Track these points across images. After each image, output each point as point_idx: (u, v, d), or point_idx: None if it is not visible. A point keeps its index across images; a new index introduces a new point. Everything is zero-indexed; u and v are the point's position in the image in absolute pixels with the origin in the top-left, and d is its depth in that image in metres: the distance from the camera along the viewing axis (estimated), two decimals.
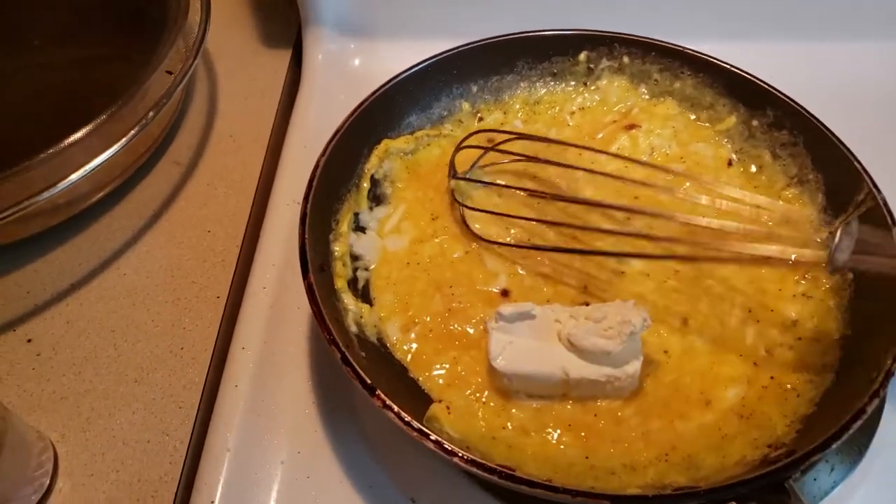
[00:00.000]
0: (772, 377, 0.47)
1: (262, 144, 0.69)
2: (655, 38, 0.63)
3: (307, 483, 0.48)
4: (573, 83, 0.65)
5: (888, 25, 0.74)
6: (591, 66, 0.64)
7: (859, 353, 0.47)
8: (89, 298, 0.58)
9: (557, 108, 0.64)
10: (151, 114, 0.57)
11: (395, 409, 0.41)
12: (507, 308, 0.47)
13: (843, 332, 0.49)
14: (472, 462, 0.39)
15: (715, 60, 0.62)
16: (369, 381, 0.42)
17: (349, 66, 0.76)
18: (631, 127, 0.61)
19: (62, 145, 0.52)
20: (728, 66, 0.61)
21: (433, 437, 0.40)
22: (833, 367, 0.47)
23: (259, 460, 0.48)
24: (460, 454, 0.39)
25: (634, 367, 0.45)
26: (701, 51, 0.62)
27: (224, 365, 0.52)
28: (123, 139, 0.55)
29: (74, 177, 0.52)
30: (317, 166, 0.52)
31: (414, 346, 0.49)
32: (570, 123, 0.64)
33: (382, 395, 0.41)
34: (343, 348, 0.43)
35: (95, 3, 0.72)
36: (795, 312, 0.50)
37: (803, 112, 0.57)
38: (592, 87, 0.65)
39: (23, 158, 0.52)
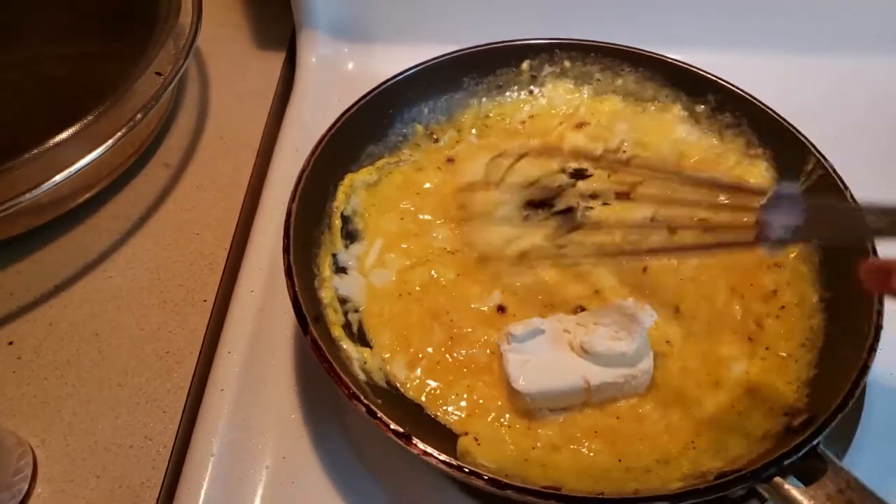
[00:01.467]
0: (767, 348, 0.49)
1: (252, 147, 0.69)
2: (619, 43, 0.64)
3: (292, 488, 0.47)
4: (520, 93, 0.65)
5: (877, 40, 0.75)
6: (535, 73, 0.65)
7: (843, 312, 0.48)
8: (73, 301, 0.57)
9: (508, 119, 0.65)
10: (139, 115, 0.56)
11: (437, 455, 0.39)
12: (516, 327, 0.46)
13: (822, 294, 0.50)
14: (527, 491, 0.38)
15: (652, 54, 0.63)
16: (403, 430, 0.40)
17: (343, 70, 0.76)
18: (580, 125, 0.63)
19: (47, 146, 0.52)
20: (665, 59, 0.63)
21: (486, 476, 0.38)
22: (822, 329, 0.49)
23: (243, 465, 0.47)
24: (515, 485, 0.38)
25: (648, 362, 0.46)
26: (641, 47, 0.63)
27: (210, 369, 0.52)
28: (110, 141, 0.54)
29: (59, 178, 0.51)
30: (289, 213, 0.49)
31: (425, 382, 0.48)
32: (523, 132, 0.64)
33: (420, 444, 0.39)
34: (366, 401, 0.41)
35: (86, 1, 0.72)
36: (772, 282, 0.52)
37: (743, 94, 0.60)
38: (538, 95, 0.65)
39: (7, 158, 0.51)
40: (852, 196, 0.51)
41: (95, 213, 0.63)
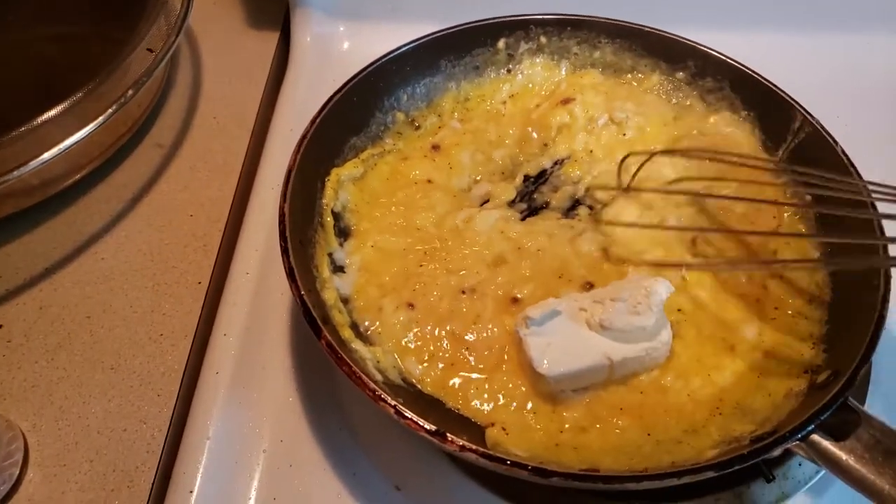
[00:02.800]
0: (776, 307, 0.49)
1: (246, 127, 0.67)
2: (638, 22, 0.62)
3: (290, 472, 0.46)
4: (498, 72, 0.64)
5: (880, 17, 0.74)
6: (511, 52, 0.64)
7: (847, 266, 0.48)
8: (64, 283, 0.56)
9: (488, 100, 0.63)
10: (130, 92, 0.55)
11: (476, 449, 0.38)
12: (533, 310, 0.45)
13: (823, 249, 0.51)
14: (573, 476, 0.37)
15: (627, 24, 0.62)
16: (437, 429, 0.38)
17: (338, 49, 0.75)
18: (566, 101, 0.61)
19: (36, 122, 0.50)
20: (641, 27, 0.62)
21: (529, 466, 0.37)
22: (827, 284, 0.49)
23: (240, 449, 0.47)
24: (560, 472, 0.37)
25: (666, 333, 0.46)
26: (622, 19, 0.62)
27: (205, 352, 0.51)
28: (101, 118, 0.53)
29: (47, 155, 0.50)
30: (282, 215, 0.47)
31: (442, 375, 0.46)
32: (505, 113, 0.63)
33: (457, 440, 0.38)
34: (393, 403, 0.39)
35: None
36: (772, 244, 0.52)
37: (723, 58, 0.59)
38: (516, 73, 0.64)
39: None
40: (843, 150, 0.51)
41: (86, 195, 0.61)
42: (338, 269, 0.51)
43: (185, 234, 0.59)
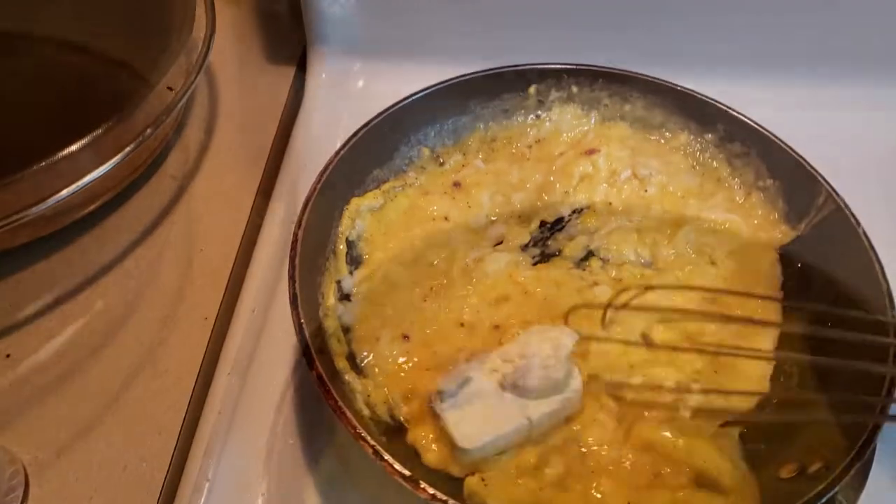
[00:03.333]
0: None
1: (260, 163, 0.68)
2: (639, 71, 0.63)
3: None
4: (527, 116, 0.65)
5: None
6: (541, 98, 0.64)
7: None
8: (73, 314, 0.56)
9: (514, 143, 0.64)
10: (149, 130, 0.56)
11: (446, 499, 0.37)
12: (446, 383, 0.45)
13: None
14: None
15: (660, 81, 0.62)
16: (411, 475, 0.39)
17: (353, 87, 0.76)
18: (591, 152, 0.62)
19: (55, 159, 0.51)
20: (674, 86, 0.62)
21: None
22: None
23: (239, 492, 0.47)
24: None
25: (577, 381, 0.46)
26: (651, 74, 0.63)
27: (208, 390, 0.51)
28: (119, 155, 0.53)
29: (66, 192, 0.50)
30: (295, 240, 0.48)
31: (426, 414, 0.45)
32: (529, 157, 0.64)
33: (429, 489, 0.38)
34: (373, 442, 0.40)
35: (97, 9, 0.71)
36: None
37: (752, 124, 0.59)
38: (545, 119, 0.65)
39: (14, 167, 0.51)
40: (864, 233, 0.51)
41: (99, 225, 0.62)
42: (344, 297, 0.52)
43: (194, 268, 0.60)
